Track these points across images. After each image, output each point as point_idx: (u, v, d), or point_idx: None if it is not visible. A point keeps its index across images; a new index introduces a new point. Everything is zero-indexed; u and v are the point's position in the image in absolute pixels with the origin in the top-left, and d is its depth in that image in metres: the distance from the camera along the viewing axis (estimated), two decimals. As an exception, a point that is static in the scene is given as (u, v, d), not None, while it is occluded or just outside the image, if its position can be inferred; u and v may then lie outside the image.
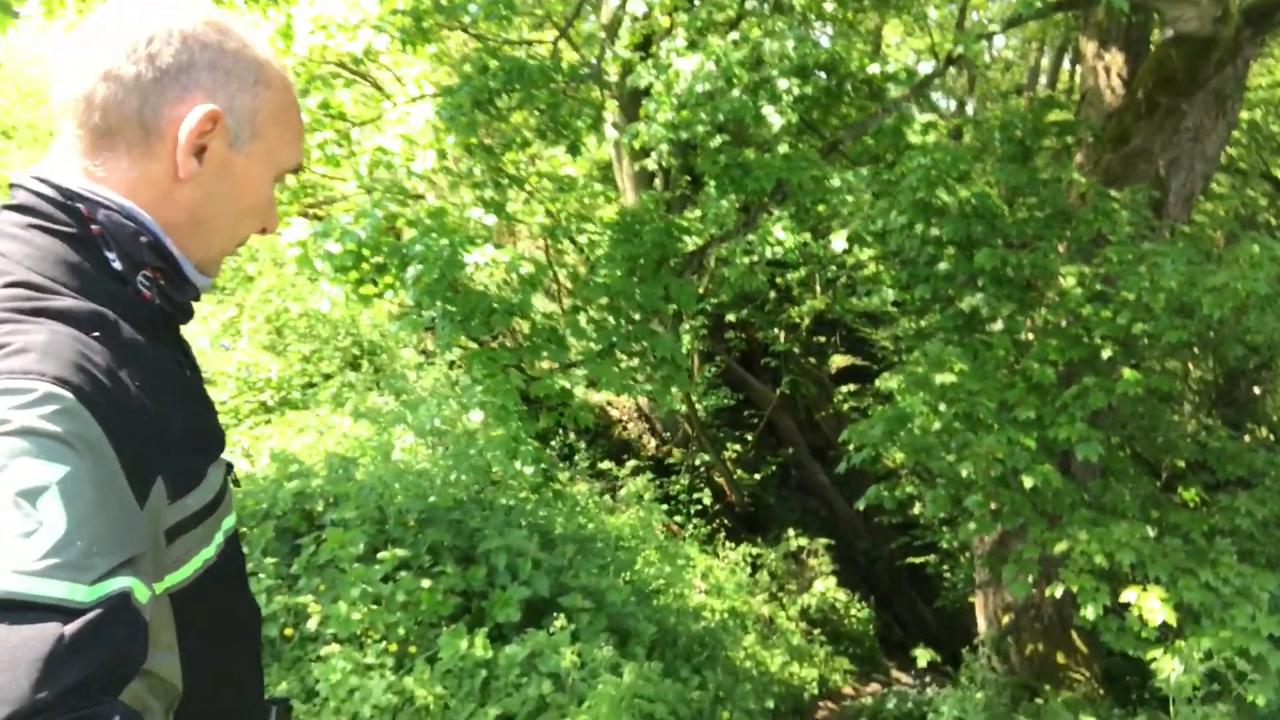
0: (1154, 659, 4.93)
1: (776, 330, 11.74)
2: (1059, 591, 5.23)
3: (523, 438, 4.03)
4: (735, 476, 12.06)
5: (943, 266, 6.12)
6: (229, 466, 1.13)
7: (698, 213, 6.69)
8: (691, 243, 5.59)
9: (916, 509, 8.01)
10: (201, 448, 1.04)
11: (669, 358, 4.80)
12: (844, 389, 10.94)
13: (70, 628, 0.75)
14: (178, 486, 0.96)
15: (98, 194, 0.99)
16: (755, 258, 7.59)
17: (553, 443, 9.31)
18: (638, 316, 4.83)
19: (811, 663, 8.08)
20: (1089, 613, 5.08)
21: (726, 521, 11.81)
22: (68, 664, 0.74)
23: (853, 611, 11.94)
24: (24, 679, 0.71)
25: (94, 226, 0.97)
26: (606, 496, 9.62)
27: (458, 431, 4.87)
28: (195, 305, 1.12)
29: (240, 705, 1.15)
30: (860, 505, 6.45)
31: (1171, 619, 4.78)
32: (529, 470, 4.09)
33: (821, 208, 9.22)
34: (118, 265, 0.98)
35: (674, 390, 4.94)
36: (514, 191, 5.89)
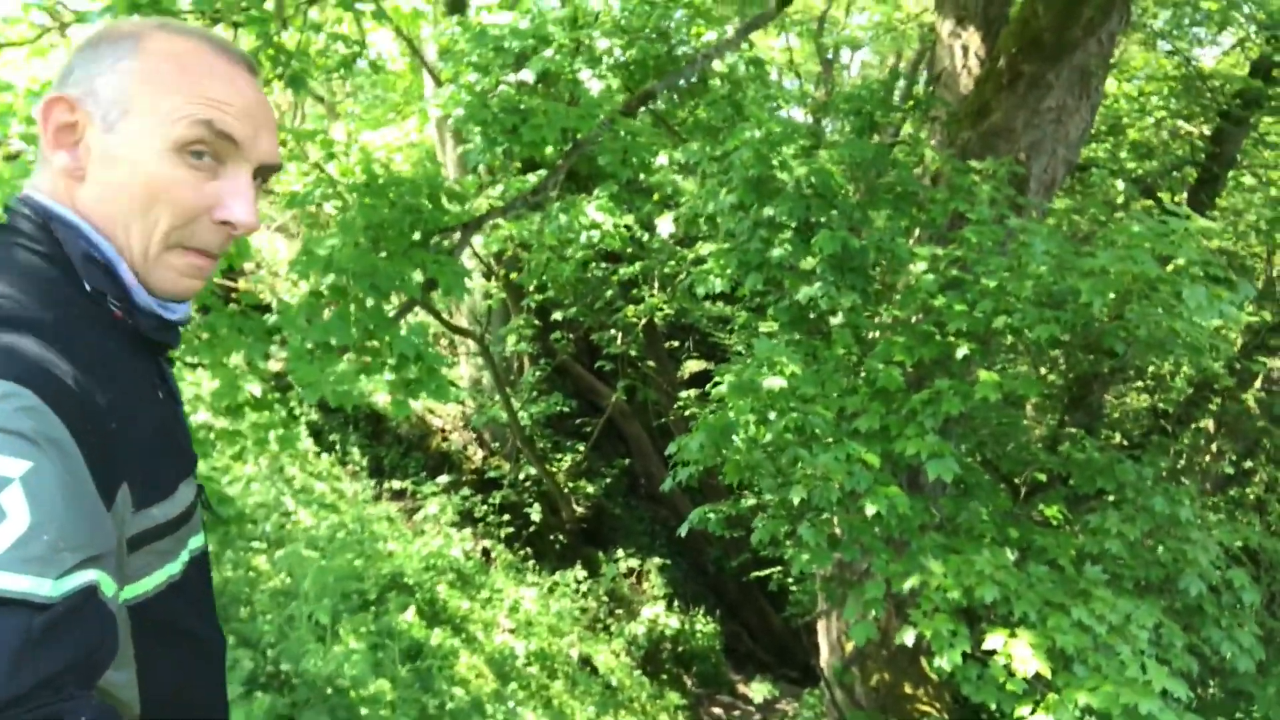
0: (1022, 718, 4.11)
1: (613, 331, 10.71)
2: (909, 638, 4.34)
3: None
4: (569, 489, 10.96)
5: (776, 252, 5.19)
6: (200, 488, 1.11)
7: (499, 189, 5.56)
8: (464, 213, 4.45)
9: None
10: (172, 462, 1.02)
11: (414, 357, 3.64)
12: (685, 394, 10.01)
13: (38, 621, 0.75)
14: (145, 496, 0.94)
15: (64, 216, 0.99)
16: (573, 245, 6.51)
17: (343, 455, 7.95)
18: (371, 302, 3.64)
19: (630, 709, 7.03)
20: (944, 663, 4.23)
21: (560, 539, 10.72)
22: (38, 657, 0.74)
23: (698, 627, 11.15)
24: None
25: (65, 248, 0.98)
26: (415, 517, 8.36)
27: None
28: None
29: None
30: (682, 531, 5.46)
31: (1045, 669, 3.96)
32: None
33: (657, 196, 8.27)
34: (88, 285, 0.97)
35: (423, 398, 3.77)
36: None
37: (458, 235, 4.52)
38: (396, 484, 8.47)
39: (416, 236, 4.33)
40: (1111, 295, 3.60)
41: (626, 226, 6.35)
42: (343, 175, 5.67)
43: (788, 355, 4.14)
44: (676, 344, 13.96)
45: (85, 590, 0.78)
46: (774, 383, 4.09)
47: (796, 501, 4.10)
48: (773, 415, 4.49)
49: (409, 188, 4.23)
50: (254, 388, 3.46)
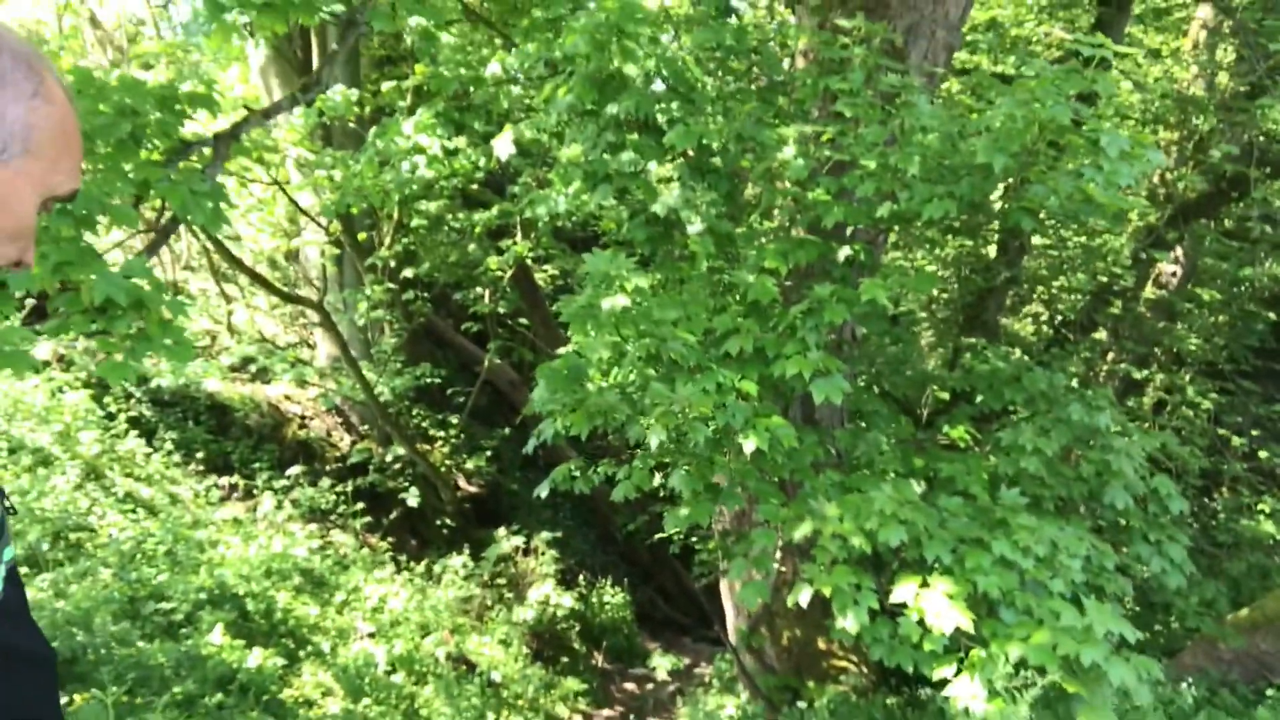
0: (945, 680, 3.45)
1: (480, 289, 9.74)
2: (804, 597, 3.64)
3: None
4: (448, 466, 10.03)
5: (626, 156, 4.37)
6: (3, 493, 1.05)
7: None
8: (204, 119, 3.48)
9: (660, 479, 6.39)
10: None
11: (131, 304, 2.69)
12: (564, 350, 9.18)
13: None
14: None
15: None
16: (393, 172, 5.52)
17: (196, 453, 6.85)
18: (68, 232, 2.68)
19: (515, 706, 6.22)
20: (849, 624, 3.54)
21: (447, 522, 9.80)
22: None
23: (606, 598, 10.48)
24: None
25: None
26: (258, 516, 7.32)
27: None
28: None
29: None
30: (541, 492, 4.67)
31: (967, 620, 3.29)
32: None
33: (505, 121, 7.32)
34: None
35: (148, 364, 2.82)
36: None
37: (210, 150, 3.55)
38: (225, 480, 7.35)
39: (156, 156, 3.36)
40: (1014, 152, 2.89)
41: (455, 151, 5.41)
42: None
43: (627, 268, 3.32)
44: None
45: None
46: (615, 302, 3.28)
47: (654, 445, 3.32)
48: (630, 346, 3.70)
49: (130, 89, 3.24)
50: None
